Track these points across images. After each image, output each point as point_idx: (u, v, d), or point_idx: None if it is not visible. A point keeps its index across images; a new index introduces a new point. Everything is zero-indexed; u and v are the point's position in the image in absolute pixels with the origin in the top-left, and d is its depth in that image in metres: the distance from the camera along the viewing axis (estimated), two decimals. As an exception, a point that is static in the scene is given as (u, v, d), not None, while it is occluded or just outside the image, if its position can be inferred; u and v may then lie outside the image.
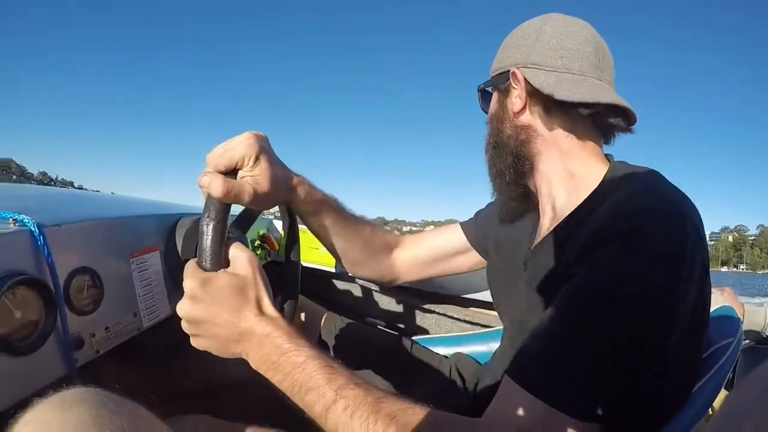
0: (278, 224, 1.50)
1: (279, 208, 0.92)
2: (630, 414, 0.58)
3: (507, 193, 0.86)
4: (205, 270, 0.64)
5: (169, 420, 0.82)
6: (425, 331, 1.44)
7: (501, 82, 0.81)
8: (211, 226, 0.65)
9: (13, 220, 0.68)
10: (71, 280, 0.74)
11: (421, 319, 1.48)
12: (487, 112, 0.88)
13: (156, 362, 1.10)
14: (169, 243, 0.96)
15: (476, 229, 1.05)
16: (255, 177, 0.72)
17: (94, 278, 0.79)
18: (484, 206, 1.08)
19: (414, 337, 1.23)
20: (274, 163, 0.76)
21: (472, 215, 1.09)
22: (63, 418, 0.40)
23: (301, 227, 0.95)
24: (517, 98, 0.78)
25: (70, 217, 0.78)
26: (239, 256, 0.66)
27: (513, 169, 0.81)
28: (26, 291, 0.67)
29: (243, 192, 0.70)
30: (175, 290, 0.97)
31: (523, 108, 0.78)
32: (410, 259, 1.07)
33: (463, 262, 1.07)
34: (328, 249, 1.00)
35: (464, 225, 1.08)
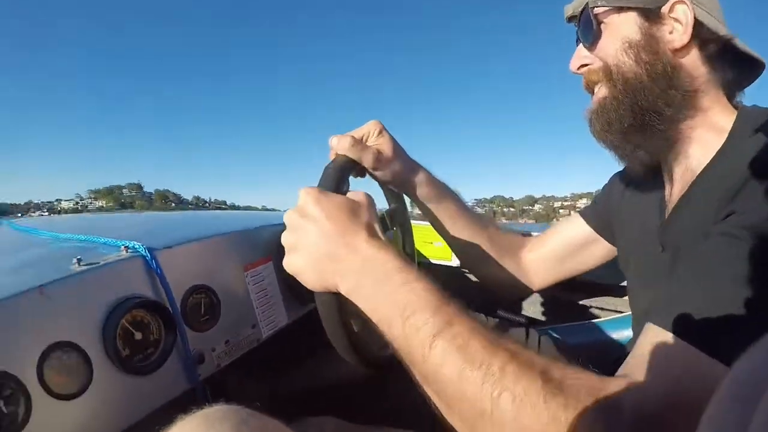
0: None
1: (387, 198, 0.88)
2: None
3: (637, 142, 0.71)
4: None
5: (295, 422, 0.83)
6: (554, 321, 1.33)
7: (648, 4, 0.68)
8: (336, 160, 0.72)
9: (125, 247, 0.73)
10: (188, 298, 0.78)
11: (549, 307, 1.37)
12: (592, 35, 0.71)
13: (277, 368, 1.12)
14: (283, 252, 0.98)
15: (598, 215, 0.94)
16: (379, 145, 0.79)
17: (210, 295, 0.83)
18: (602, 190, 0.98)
19: (543, 327, 1.13)
20: (395, 141, 0.82)
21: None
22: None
23: (420, 223, 0.91)
24: (677, 33, 0.67)
25: (180, 238, 0.83)
26: (356, 192, 0.64)
27: (655, 112, 0.68)
28: (144, 313, 0.71)
29: (367, 151, 0.76)
30: (291, 298, 0.98)
31: (686, 46, 0.67)
32: (539, 260, 0.98)
33: (593, 253, 0.96)
34: (448, 242, 0.94)
35: (584, 213, 0.97)
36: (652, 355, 0.46)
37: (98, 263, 0.69)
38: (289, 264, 0.61)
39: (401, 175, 0.83)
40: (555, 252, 0.97)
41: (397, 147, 0.82)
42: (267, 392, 1.01)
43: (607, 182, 0.95)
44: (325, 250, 0.56)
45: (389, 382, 0.91)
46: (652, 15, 0.68)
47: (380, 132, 0.80)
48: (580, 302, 1.31)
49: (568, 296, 1.31)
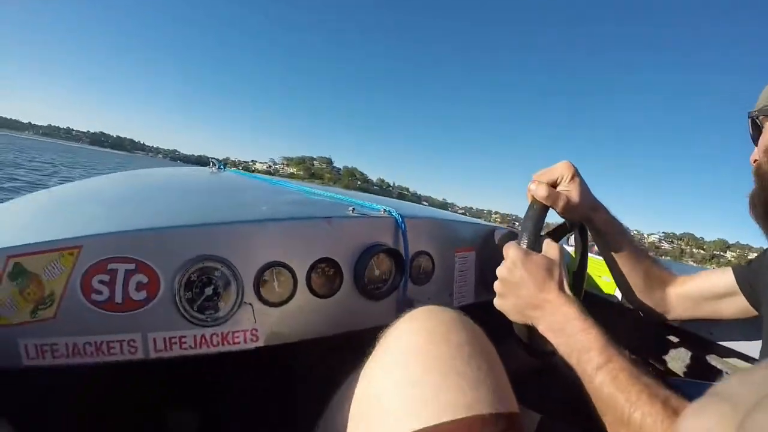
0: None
1: (574, 233, 1.05)
2: None
3: None
4: (526, 248, 0.82)
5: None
6: (687, 374, 1.35)
7: None
8: (533, 218, 0.86)
9: (384, 209, 1.02)
10: (415, 257, 1.05)
11: (686, 359, 1.38)
12: (753, 137, 0.88)
13: None
14: (483, 248, 1.20)
15: (745, 274, 1.00)
16: (569, 191, 0.93)
17: (430, 260, 1.09)
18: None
19: (673, 378, 1.17)
20: (584, 184, 0.95)
21: None
22: (440, 310, 0.62)
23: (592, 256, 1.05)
24: None
25: (418, 214, 1.10)
26: (551, 245, 0.83)
27: None
28: (386, 258, 1.00)
29: (559, 198, 0.91)
30: (481, 286, 1.20)
31: None
32: (680, 296, 1.07)
33: (730, 305, 1.02)
34: (612, 273, 1.09)
35: (735, 268, 1.03)
36: None
37: (366, 215, 0.99)
38: (499, 305, 0.82)
39: (584, 215, 0.99)
40: (697, 292, 1.05)
41: (584, 190, 0.95)
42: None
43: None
44: (527, 300, 0.78)
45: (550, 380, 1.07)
46: None
47: (572, 177, 0.94)
48: (710, 362, 1.32)
49: (712, 357, 1.33)
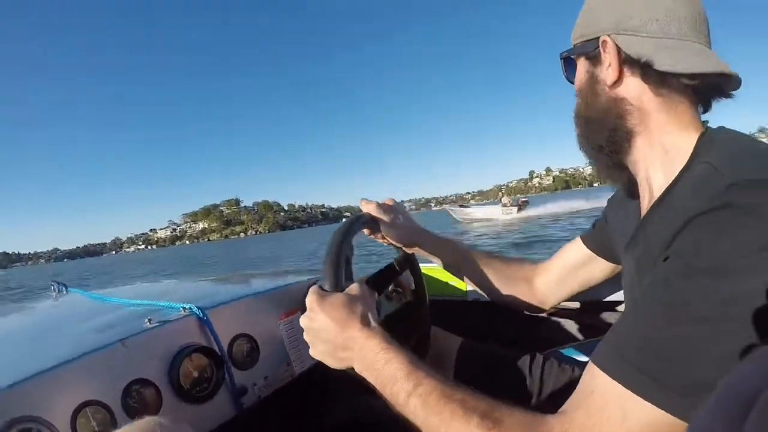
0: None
1: (400, 257, 1.09)
2: None
3: (608, 169, 0.79)
4: (324, 290, 0.79)
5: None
6: (562, 341, 1.40)
7: (588, 49, 0.75)
8: (332, 257, 0.82)
9: (183, 308, 0.98)
10: (233, 344, 1.01)
11: (555, 328, 1.45)
12: (572, 82, 0.82)
13: (311, 402, 1.31)
14: None
15: (594, 236, 1.04)
16: (395, 210, 1.08)
17: (250, 340, 1.06)
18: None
19: (550, 350, 1.22)
20: (406, 211, 1.14)
21: None
22: None
23: (435, 266, 1.16)
24: (610, 69, 0.71)
25: (226, 298, 1.08)
26: (353, 284, 0.81)
27: (610, 145, 0.75)
28: (200, 356, 0.95)
29: (388, 211, 1.05)
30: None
31: (619, 79, 0.71)
32: (546, 282, 1.11)
33: (593, 272, 1.06)
34: (462, 279, 1.18)
35: (583, 235, 1.07)
36: (589, 396, 0.58)
37: (164, 321, 0.94)
38: (314, 354, 0.79)
39: (410, 236, 1.08)
40: (558, 274, 1.09)
41: (406, 213, 1.11)
42: (302, 423, 1.20)
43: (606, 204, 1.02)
44: (333, 345, 0.75)
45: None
46: (592, 57, 0.74)
47: (395, 203, 1.10)
48: (582, 322, 1.38)
49: (581, 317, 1.39)
